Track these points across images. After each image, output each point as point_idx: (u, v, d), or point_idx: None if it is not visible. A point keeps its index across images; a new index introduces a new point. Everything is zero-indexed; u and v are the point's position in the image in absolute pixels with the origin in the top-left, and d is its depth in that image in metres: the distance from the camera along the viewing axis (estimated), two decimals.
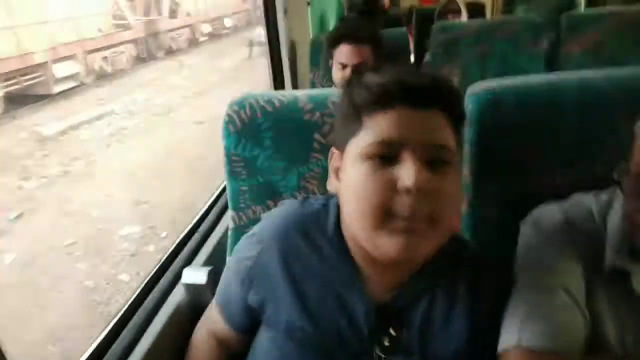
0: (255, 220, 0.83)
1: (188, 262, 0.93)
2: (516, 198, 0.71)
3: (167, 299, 0.84)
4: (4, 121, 5.85)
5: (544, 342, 0.53)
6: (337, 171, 0.58)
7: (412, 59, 2.45)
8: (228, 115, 0.80)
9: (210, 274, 0.84)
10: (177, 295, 0.85)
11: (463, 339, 0.56)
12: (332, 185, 0.59)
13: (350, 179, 0.53)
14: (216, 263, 0.90)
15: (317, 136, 0.79)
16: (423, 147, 0.50)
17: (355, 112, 0.54)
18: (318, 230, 0.60)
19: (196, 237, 0.98)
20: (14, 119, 5.95)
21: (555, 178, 0.71)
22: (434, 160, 0.51)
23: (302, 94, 0.81)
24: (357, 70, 0.62)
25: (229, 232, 0.87)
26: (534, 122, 0.70)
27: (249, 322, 0.65)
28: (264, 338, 0.63)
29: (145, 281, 0.84)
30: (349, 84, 0.57)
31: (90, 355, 0.71)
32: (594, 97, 0.69)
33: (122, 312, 0.79)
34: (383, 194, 0.49)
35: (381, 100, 0.51)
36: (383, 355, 0.55)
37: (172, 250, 0.93)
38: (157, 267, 0.88)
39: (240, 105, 0.80)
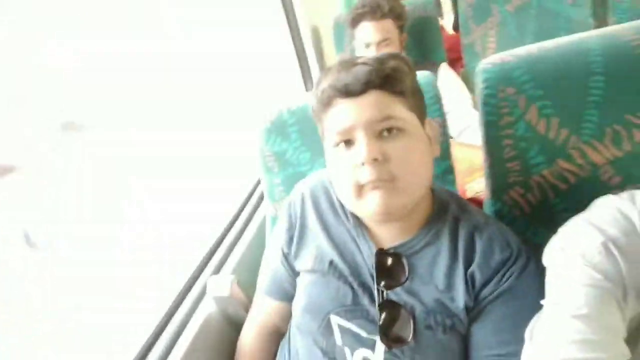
0: None
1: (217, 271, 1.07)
2: (546, 182, 0.78)
3: (197, 310, 0.95)
4: None
5: None
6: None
7: (448, 22, 2.56)
8: (262, 117, 1.02)
9: (232, 283, 0.93)
10: (207, 307, 0.95)
11: (463, 297, 0.67)
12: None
13: (329, 164, 0.74)
14: (249, 267, 1.06)
15: None
16: (368, 124, 0.66)
17: (317, 117, 0.75)
18: (336, 195, 0.80)
19: (224, 245, 1.14)
20: None
21: (595, 155, 0.75)
22: (388, 129, 0.67)
23: None
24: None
25: (267, 222, 1.08)
26: (551, 90, 0.75)
27: (293, 284, 0.84)
28: (298, 287, 0.82)
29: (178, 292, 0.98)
30: (311, 94, 0.77)
31: None
32: (622, 54, 0.71)
33: (156, 324, 0.91)
34: (351, 171, 0.67)
35: (325, 102, 0.71)
36: (384, 289, 0.71)
37: (203, 259, 1.08)
38: (188, 277, 1.02)
39: (267, 109, 1.03)
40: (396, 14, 1.62)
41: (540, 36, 1.72)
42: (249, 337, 0.91)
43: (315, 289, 0.77)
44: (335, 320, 0.74)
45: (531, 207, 0.81)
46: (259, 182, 1.40)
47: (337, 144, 0.69)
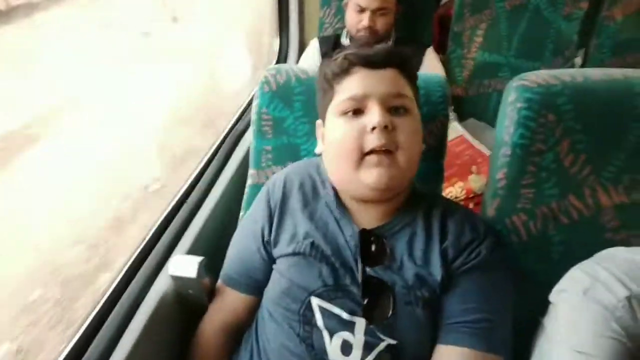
0: None
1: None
2: (552, 214, 0.79)
3: (151, 288, 0.85)
4: None
5: None
6: (322, 137, 0.80)
7: None
8: (264, 77, 0.95)
9: (200, 265, 0.83)
10: (162, 286, 0.85)
11: (439, 270, 0.72)
12: (318, 148, 0.82)
13: (331, 133, 0.75)
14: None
15: None
16: (383, 96, 0.72)
17: (329, 83, 0.77)
18: (319, 179, 0.83)
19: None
20: None
21: (604, 198, 0.77)
22: (394, 108, 0.72)
23: None
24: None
25: (247, 190, 1.00)
26: (589, 126, 0.74)
27: (268, 273, 0.81)
28: (275, 273, 0.80)
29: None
30: (322, 63, 0.81)
31: (67, 355, 0.73)
32: None
33: (107, 294, 0.81)
34: (357, 137, 0.70)
35: (345, 69, 0.74)
36: (365, 265, 0.74)
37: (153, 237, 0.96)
38: (136, 252, 0.90)
39: (277, 70, 0.95)
40: None
41: (527, 40, 1.75)
42: (211, 335, 0.84)
43: (297, 271, 0.76)
44: (316, 302, 0.74)
45: (529, 236, 0.81)
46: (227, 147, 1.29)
47: (346, 112, 0.72)
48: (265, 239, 0.81)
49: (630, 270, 0.63)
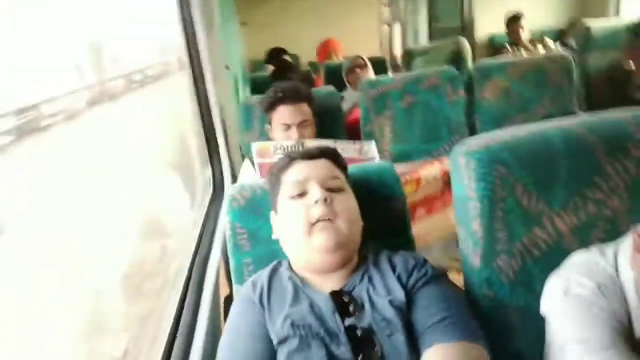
0: None
1: None
2: (525, 249, 0.89)
3: None
4: None
5: None
6: (276, 224, 0.95)
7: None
8: (231, 195, 1.03)
9: None
10: None
11: (401, 292, 0.84)
12: (274, 235, 0.96)
13: (283, 214, 0.91)
14: None
15: None
16: (320, 178, 0.90)
17: (276, 177, 0.95)
18: (283, 268, 0.92)
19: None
20: None
21: (561, 224, 0.89)
22: (330, 188, 0.89)
23: None
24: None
25: (217, 309, 0.98)
26: (530, 170, 0.88)
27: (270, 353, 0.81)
28: None
29: None
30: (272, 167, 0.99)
31: None
32: (578, 142, 0.88)
33: None
34: (304, 212, 0.86)
35: (289, 162, 0.94)
36: (343, 319, 0.82)
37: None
38: None
39: (240, 187, 1.05)
40: (310, 99, 1.72)
41: (426, 128, 2.00)
42: None
43: (293, 353, 0.80)
44: None
45: (514, 273, 0.89)
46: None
47: (293, 195, 0.89)
48: (266, 329, 0.84)
49: (588, 267, 0.79)
